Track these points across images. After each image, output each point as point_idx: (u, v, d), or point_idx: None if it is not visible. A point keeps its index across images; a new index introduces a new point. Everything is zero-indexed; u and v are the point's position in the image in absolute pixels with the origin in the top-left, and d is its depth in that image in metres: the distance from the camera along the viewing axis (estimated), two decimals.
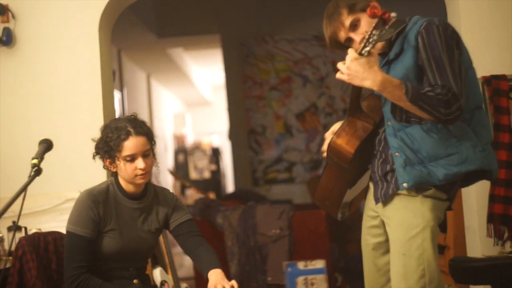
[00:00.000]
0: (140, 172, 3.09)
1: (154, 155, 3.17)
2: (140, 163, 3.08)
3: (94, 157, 3.19)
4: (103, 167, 3.18)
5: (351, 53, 2.75)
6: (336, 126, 3.08)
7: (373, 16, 2.72)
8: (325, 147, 3.06)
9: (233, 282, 3.00)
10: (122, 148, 3.06)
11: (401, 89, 2.74)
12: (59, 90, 4.52)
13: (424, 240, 2.86)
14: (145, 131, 3.13)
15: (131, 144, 3.07)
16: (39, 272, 3.35)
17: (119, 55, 9.47)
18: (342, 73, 2.76)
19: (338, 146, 2.95)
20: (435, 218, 2.89)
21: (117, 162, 3.09)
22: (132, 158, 3.08)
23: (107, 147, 3.09)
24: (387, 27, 2.69)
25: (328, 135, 3.06)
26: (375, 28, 2.67)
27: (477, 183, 3.10)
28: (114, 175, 3.18)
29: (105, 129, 3.14)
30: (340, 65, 2.77)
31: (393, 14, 2.71)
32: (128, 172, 3.09)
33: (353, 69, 2.72)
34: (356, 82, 2.76)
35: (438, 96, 2.74)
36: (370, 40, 2.68)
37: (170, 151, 13.39)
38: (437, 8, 4.71)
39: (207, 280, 3.04)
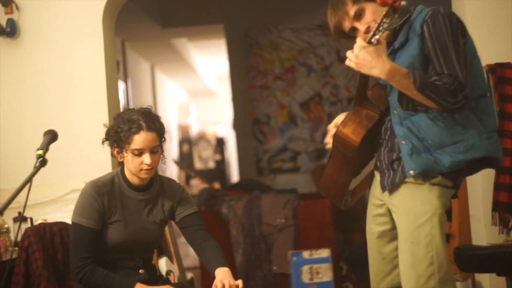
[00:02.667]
0: (145, 167, 3.08)
1: (162, 151, 3.17)
2: (147, 158, 3.07)
3: (103, 142, 3.19)
4: (111, 154, 3.19)
5: (359, 41, 2.74)
6: (339, 118, 3.08)
7: (383, 4, 2.70)
8: (328, 139, 3.06)
9: (239, 282, 3.01)
10: (132, 141, 3.05)
11: (408, 78, 2.75)
12: (63, 81, 4.53)
13: (432, 228, 2.86)
14: (157, 128, 3.11)
15: (140, 139, 3.06)
16: (45, 262, 3.36)
17: (123, 45, 9.47)
18: (350, 60, 2.76)
19: (344, 135, 2.95)
20: (443, 206, 2.89)
21: (125, 154, 3.10)
22: (139, 153, 3.07)
23: (117, 136, 3.08)
24: (396, 15, 2.68)
25: (331, 127, 3.06)
26: (385, 16, 2.66)
27: (482, 172, 3.10)
28: (121, 164, 3.19)
29: (118, 118, 3.12)
30: (349, 53, 2.76)
31: (403, 2, 2.71)
32: (134, 165, 3.09)
33: (361, 58, 2.72)
34: (364, 70, 2.76)
35: (445, 86, 2.74)
36: (380, 28, 2.67)
37: (174, 141, 13.40)
38: None
39: (213, 277, 3.06)
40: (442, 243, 2.88)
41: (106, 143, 3.17)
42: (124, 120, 3.09)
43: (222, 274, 3.03)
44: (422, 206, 2.87)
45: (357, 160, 3.03)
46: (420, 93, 2.76)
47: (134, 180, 3.17)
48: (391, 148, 2.94)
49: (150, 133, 3.07)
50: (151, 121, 3.10)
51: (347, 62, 2.77)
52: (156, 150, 3.11)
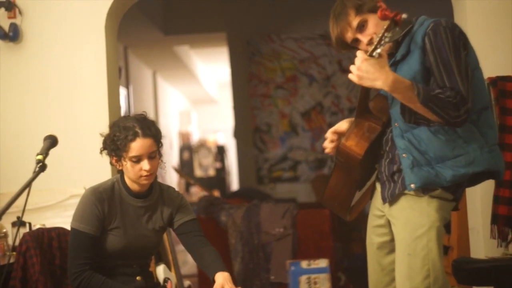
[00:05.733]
0: (145, 173, 3.08)
1: (160, 156, 3.16)
2: (145, 164, 3.06)
3: (101, 152, 3.18)
4: (110, 163, 3.18)
5: (360, 54, 2.73)
6: (339, 125, 3.07)
7: (384, 18, 2.70)
8: (326, 143, 3.05)
9: None
10: (129, 149, 3.04)
11: (412, 90, 2.74)
12: (65, 86, 4.53)
13: (429, 241, 2.86)
14: (153, 133, 3.10)
15: (137, 146, 3.05)
16: (43, 267, 3.35)
17: (125, 52, 9.48)
18: (353, 73, 2.74)
19: (347, 148, 2.94)
20: (441, 219, 2.89)
21: (123, 162, 3.09)
22: (137, 160, 3.06)
23: (114, 145, 3.07)
24: (397, 28, 2.68)
25: (330, 133, 3.06)
26: (387, 30, 2.66)
27: (482, 184, 3.10)
28: (120, 172, 3.18)
29: (113, 127, 3.12)
30: (352, 67, 2.74)
31: (404, 16, 2.70)
32: (133, 172, 3.09)
33: (364, 70, 2.70)
34: (367, 83, 2.74)
35: (448, 99, 2.73)
36: (382, 42, 2.66)
37: (175, 149, 13.41)
38: (444, 8, 4.70)
39: (213, 282, 3.05)
40: (439, 256, 2.87)
41: (104, 152, 3.17)
42: (119, 128, 3.08)
43: (222, 279, 3.02)
44: (420, 218, 2.87)
45: (361, 172, 3.03)
46: (423, 105, 2.75)
47: (134, 187, 3.17)
48: (391, 159, 2.94)
49: (147, 139, 3.06)
50: (147, 127, 3.08)
51: (350, 76, 2.76)
52: (154, 155, 3.10)
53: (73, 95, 4.53)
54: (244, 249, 5.64)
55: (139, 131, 3.05)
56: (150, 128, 3.09)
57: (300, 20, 8.51)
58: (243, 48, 8.65)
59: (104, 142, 3.15)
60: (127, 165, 3.08)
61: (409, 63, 2.86)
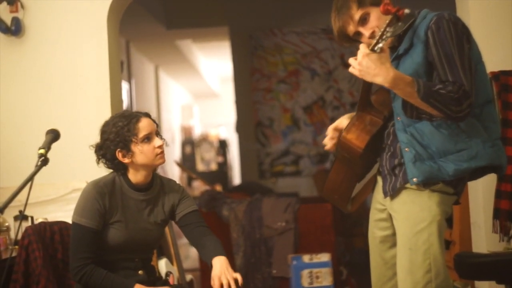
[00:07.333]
0: (159, 150, 3.13)
1: (161, 135, 3.22)
2: (157, 141, 3.13)
3: (98, 161, 3.19)
4: (111, 165, 3.16)
5: (362, 48, 2.73)
6: (340, 121, 3.08)
7: (386, 12, 2.70)
8: (326, 140, 3.06)
9: (237, 275, 3.01)
10: (138, 130, 3.10)
11: (412, 86, 2.73)
12: (67, 80, 4.53)
13: (430, 235, 2.86)
14: (147, 114, 3.19)
15: (144, 124, 3.12)
16: (45, 261, 3.36)
17: (127, 46, 9.48)
18: (354, 67, 2.74)
19: (348, 141, 2.95)
20: (442, 213, 2.89)
21: (133, 149, 3.10)
22: (149, 138, 3.11)
23: (120, 137, 3.09)
24: (399, 23, 2.68)
25: (331, 130, 3.07)
26: (389, 25, 2.65)
27: (484, 179, 3.10)
28: (121, 169, 3.18)
29: (107, 126, 3.14)
30: (351, 60, 2.75)
31: (406, 11, 2.70)
32: (149, 152, 3.12)
33: (365, 65, 2.71)
34: (368, 78, 2.75)
35: (449, 94, 2.73)
36: (384, 37, 2.66)
37: (177, 143, 13.41)
38: (447, 2, 4.69)
39: (211, 267, 3.05)
40: (441, 250, 2.87)
41: (102, 161, 3.17)
42: (117, 120, 3.12)
43: (219, 265, 3.02)
44: (421, 212, 2.87)
45: (361, 165, 3.03)
46: (424, 102, 2.75)
47: (137, 179, 3.17)
48: (393, 153, 2.94)
49: (148, 118, 3.16)
50: (138, 111, 3.19)
51: (351, 69, 2.76)
52: (158, 133, 3.18)
53: (75, 89, 4.53)
54: (246, 243, 5.65)
55: (139, 113, 3.16)
56: (141, 111, 3.20)
57: (302, 14, 8.49)
58: (245, 42, 8.64)
59: (101, 147, 3.15)
60: (141, 149, 3.10)
61: (412, 57, 2.86)
